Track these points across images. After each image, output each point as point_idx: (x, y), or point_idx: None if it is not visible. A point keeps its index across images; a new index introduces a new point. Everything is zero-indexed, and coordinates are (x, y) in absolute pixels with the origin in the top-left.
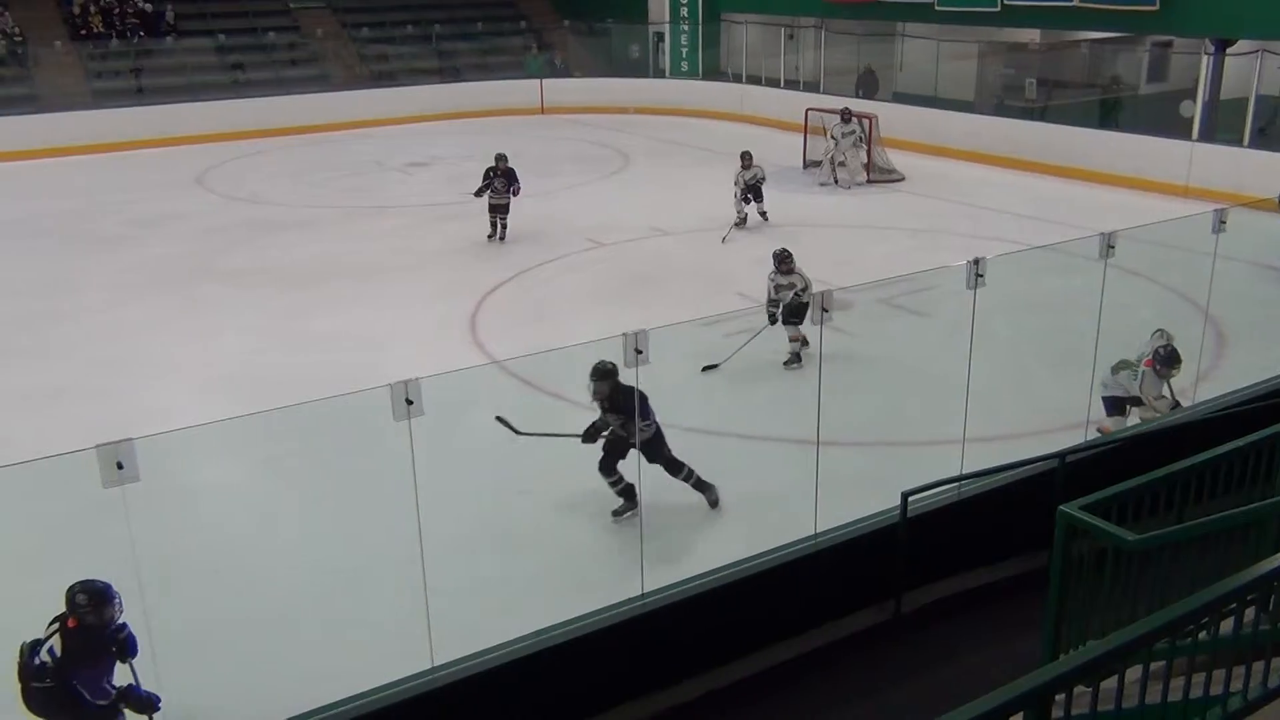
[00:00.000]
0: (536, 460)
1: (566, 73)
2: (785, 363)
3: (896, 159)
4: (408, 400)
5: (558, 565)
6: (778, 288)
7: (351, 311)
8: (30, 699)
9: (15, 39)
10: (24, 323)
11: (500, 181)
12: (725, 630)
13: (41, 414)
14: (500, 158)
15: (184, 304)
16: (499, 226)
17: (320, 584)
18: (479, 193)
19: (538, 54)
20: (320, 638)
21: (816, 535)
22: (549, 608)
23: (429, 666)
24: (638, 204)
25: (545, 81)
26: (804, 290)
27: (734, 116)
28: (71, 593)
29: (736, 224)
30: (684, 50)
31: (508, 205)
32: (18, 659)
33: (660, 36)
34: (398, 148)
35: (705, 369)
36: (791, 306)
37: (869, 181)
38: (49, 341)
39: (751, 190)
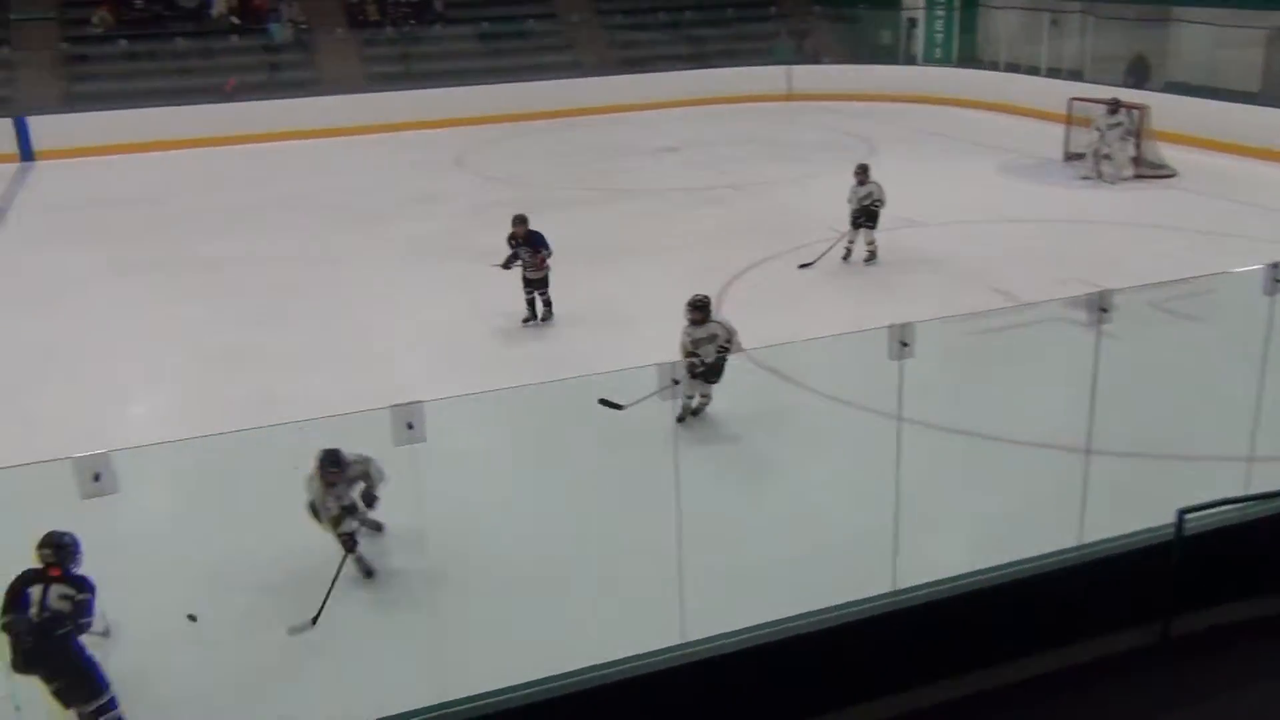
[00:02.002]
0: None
1: (815, 59)
2: (678, 418)
3: (1169, 154)
4: (673, 380)
5: (812, 553)
6: (694, 341)
7: (600, 291)
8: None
9: (301, 27)
10: (300, 289)
11: (525, 251)
12: (976, 635)
13: (319, 372)
14: (519, 220)
15: (438, 278)
16: (539, 306)
17: (583, 555)
18: (507, 265)
19: (786, 40)
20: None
21: (1080, 547)
22: (802, 596)
23: (679, 642)
24: (888, 194)
25: (793, 68)
26: (728, 341)
27: (989, 105)
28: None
29: (844, 256)
30: (939, 36)
31: (545, 278)
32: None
33: (913, 22)
34: (648, 132)
35: (604, 402)
36: (713, 365)
37: (1135, 177)
38: (320, 307)
39: (864, 214)
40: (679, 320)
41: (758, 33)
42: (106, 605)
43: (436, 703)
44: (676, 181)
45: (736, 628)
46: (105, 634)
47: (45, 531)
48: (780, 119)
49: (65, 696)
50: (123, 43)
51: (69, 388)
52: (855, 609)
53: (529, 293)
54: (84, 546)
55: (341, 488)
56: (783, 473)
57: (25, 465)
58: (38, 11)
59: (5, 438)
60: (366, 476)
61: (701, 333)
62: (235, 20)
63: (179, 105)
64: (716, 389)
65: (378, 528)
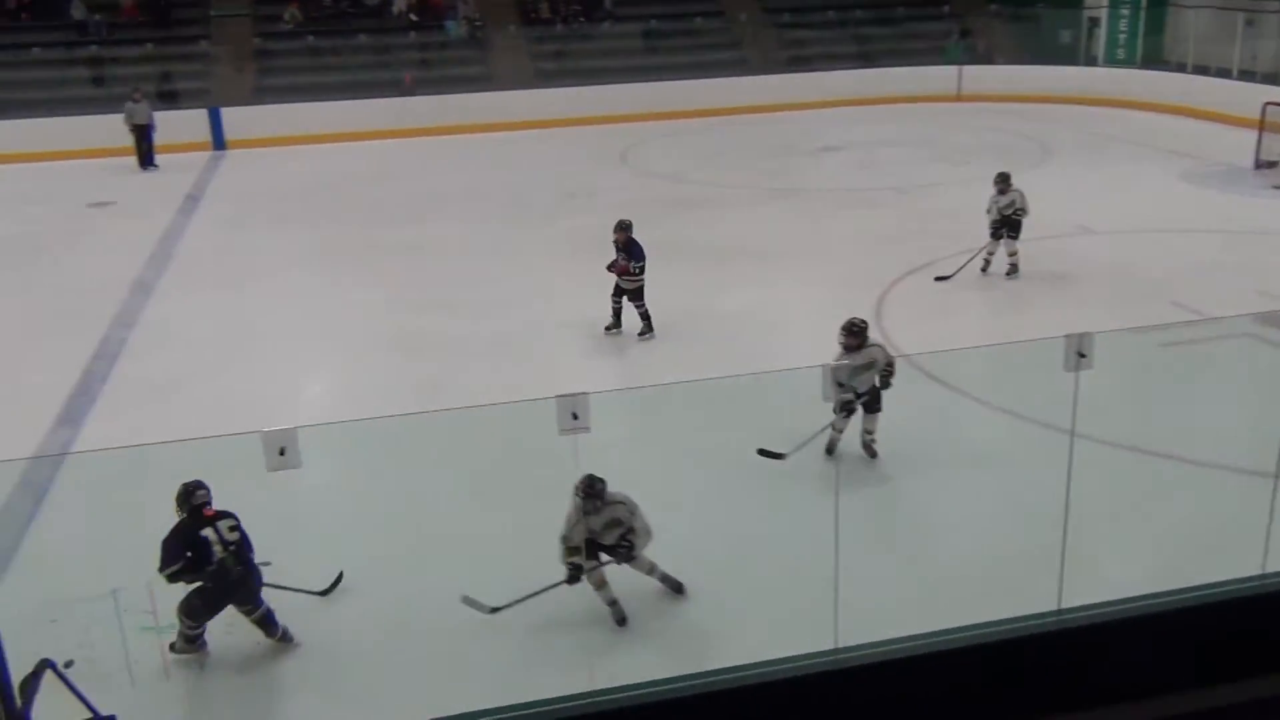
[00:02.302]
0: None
1: (988, 59)
2: (827, 450)
3: None
4: (838, 383)
5: (974, 567)
6: (851, 371)
7: (749, 293)
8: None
9: (476, 24)
10: (468, 278)
11: (621, 257)
12: (1145, 662)
13: (483, 360)
14: (621, 226)
15: (593, 273)
16: (638, 319)
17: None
18: (612, 267)
19: (958, 40)
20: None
21: (1264, 575)
22: (962, 610)
23: (832, 647)
24: (1061, 200)
25: (964, 68)
26: (888, 368)
27: (1174, 109)
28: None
29: (982, 269)
30: (1122, 36)
31: (639, 290)
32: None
33: (1095, 22)
34: (811, 132)
35: (764, 453)
36: (873, 396)
37: None
38: (485, 297)
39: (1006, 224)
40: (828, 325)
41: (929, 32)
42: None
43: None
44: (837, 182)
45: (892, 636)
46: (267, 563)
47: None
48: (949, 120)
49: (265, 623)
50: (310, 39)
51: (256, 365)
52: (1013, 626)
53: (616, 301)
54: (268, 517)
55: (595, 520)
56: (944, 484)
57: (216, 438)
58: (235, 8)
59: (199, 411)
60: (620, 523)
61: (859, 359)
62: (414, 17)
63: (359, 99)
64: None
65: (678, 589)
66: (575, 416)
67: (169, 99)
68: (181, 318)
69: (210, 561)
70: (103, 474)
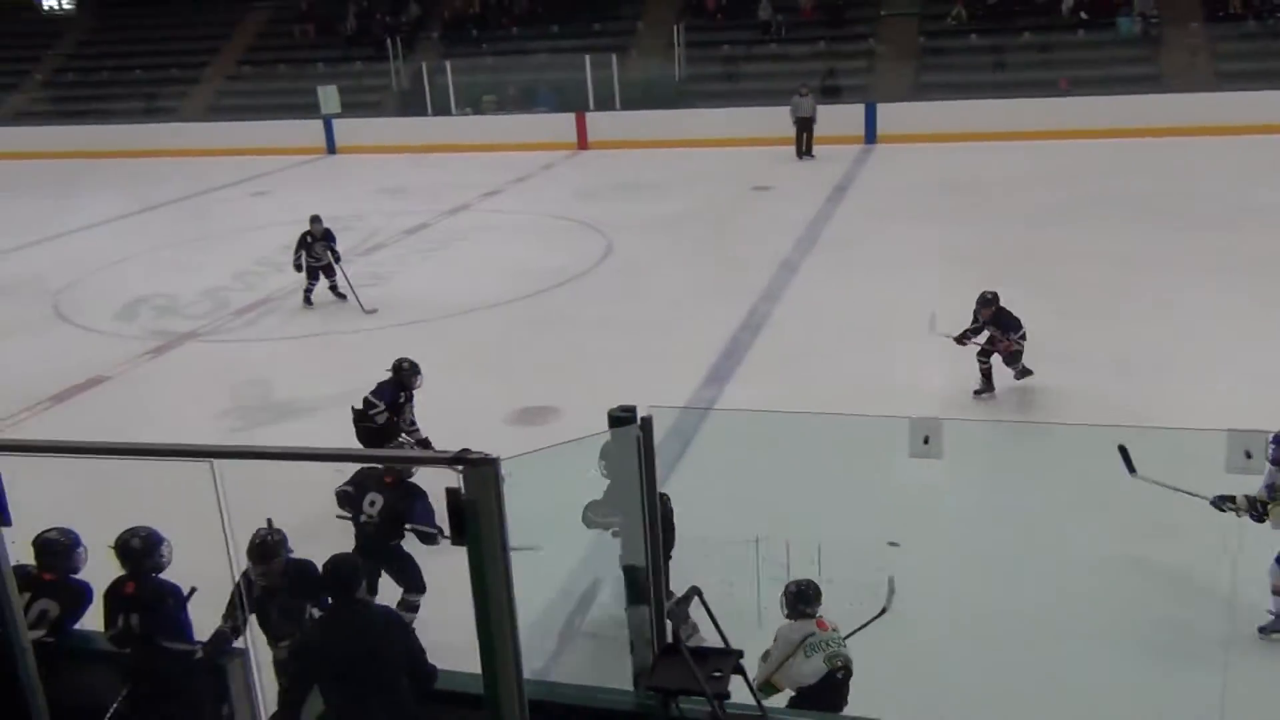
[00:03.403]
0: None
1: None
2: None
3: None
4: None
5: None
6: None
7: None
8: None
9: (1151, 21)
10: (1107, 290)
11: (998, 333)
12: None
13: (1125, 379)
14: (985, 300)
15: (1270, 301)
16: (1017, 373)
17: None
18: (992, 346)
19: None
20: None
21: None
22: None
23: None
24: None
25: None
26: None
27: None
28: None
29: None
30: None
31: (1019, 353)
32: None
33: None
34: None
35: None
36: None
37: None
38: (1117, 311)
39: None
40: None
41: None
42: None
43: None
44: None
45: None
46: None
47: None
48: None
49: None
50: (972, 36)
51: (886, 351)
52: None
53: (984, 361)
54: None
55: None
56: None
57: (859, 416)
58: (903, 8)
59: (830, 387)
60: None
61: None
62: (1084, 14)
63: (1015, 99)
64: None
65: None
66: (1249, 455)
67: (831, 94)
68: (821, 298)
69: None
70: (740, 432)
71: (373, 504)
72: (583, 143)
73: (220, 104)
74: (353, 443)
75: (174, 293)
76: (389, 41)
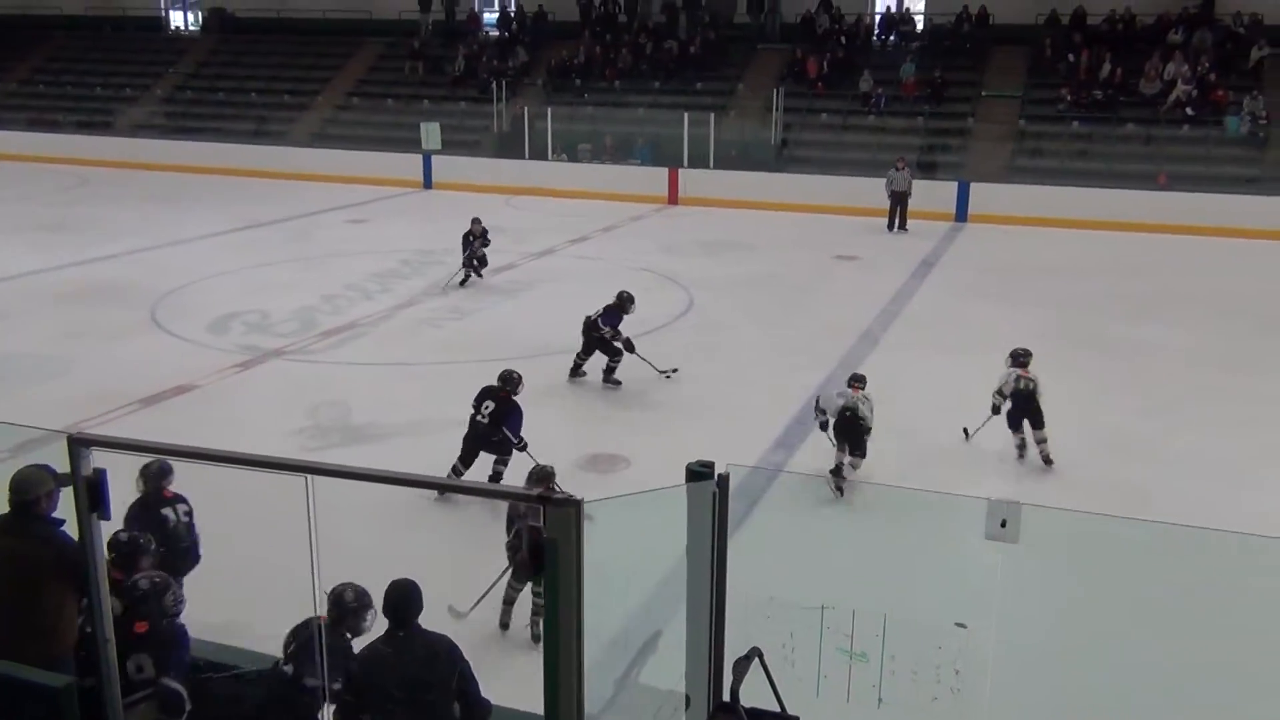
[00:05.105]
0: None
1: None
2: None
3: None
4: None
5: None
6: None
7: None
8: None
9: (1260, 121)
10: (1189, 389)
11: None
12: None
13: (1194, 480)
14: None
15: None
16: None
17: None
18: None
19: None
20: None
21: None
22: None
23: None
24: None
25: None
26: None
27: None
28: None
29: None
30: None
31: None
32: None
33: None
34: None
35: None
36: None
37: None
38: (1198, 413)
39: None
40: None
41: None
42: None
43: None
44: None
45: None
46: None
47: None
48: None
49: None
50: (1075, 124)
51: (958, 430)
52: None
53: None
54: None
55: None
56: None
57: (935, 493)
58: (1007, 90)
59: (904, 459)
60: None
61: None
62: (1190, 111)
63: (1112, 189)
64: None
65: None
66: (1004, 524)
67: (928, 169)
68: (901, 372)
69: None
70: (804, 496)
71: (487, 408)
72: (673, 198)
73: (326, 132)
74: (421, 469)
75: (266, 310)
76: (494, 84)
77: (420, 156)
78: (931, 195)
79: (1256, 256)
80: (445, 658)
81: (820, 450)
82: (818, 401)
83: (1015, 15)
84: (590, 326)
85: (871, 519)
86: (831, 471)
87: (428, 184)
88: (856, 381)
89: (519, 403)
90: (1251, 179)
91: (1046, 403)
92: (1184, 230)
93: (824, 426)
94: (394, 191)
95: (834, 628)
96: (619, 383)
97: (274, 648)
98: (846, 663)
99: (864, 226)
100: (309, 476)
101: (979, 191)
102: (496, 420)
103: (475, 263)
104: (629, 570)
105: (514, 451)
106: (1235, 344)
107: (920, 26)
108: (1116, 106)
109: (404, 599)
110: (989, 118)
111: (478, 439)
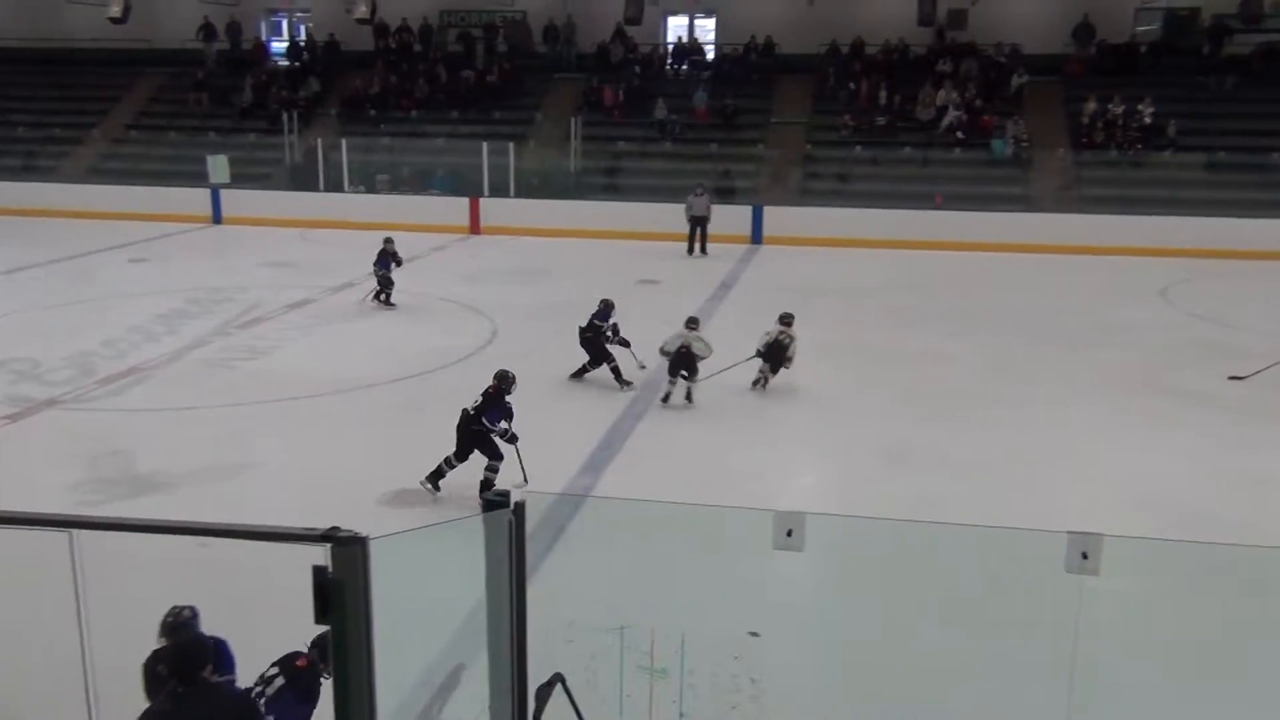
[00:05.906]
0: None
1: None
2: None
3: None
4: None
5: None
6: None
7: None
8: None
9: (1023, 144)
10: (973, 398)
11: None
12: None
13: (972, 482)
14: None
15: (1121, 413)
16: None
17: None
18: None
19: None
20: None
21: None
22: None
23: None
24: None
25: None
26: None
27: None
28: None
29: None
30: None
31: None
32: None
33: None
34: None
35: None
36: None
37: None
38: (987, 419)
39: None
40: None
41: None
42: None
43: None
44: None
45: None
46: None
47: None
48: None
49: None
50: (857, 148)
51: (762, 446)
52: None
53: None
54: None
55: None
56: None
57: (727, 508)
58: (793, 117)
59: (698, 474)
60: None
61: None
62: (961, 135)
63: (891, 209)
64: None
65: None
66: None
67: (725, 194)
68: (699, 391)
69: None
70: (613, 519)
71: (476, 401)
72: (475, 227)
73: (103, 166)
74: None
75: (37, 357)
76: (285, 115)
77: (208, 190)
78: (728, 219)
79: (1025, 270)
80: (233, 716)
81: (631, 471)
82: (662, 347)
83: (799, 45)
84: (469, 421)
85: (668, 537)
86: (663, 400)
87: (217, 219)
88: (691, 323)
89: (509, 401)
90: (1017, 197)
91: (837, 401)
92: (958, 247)
93: (670, 362)
94: (181, 227)
95: (634, 647)
96: (630, 383)
97: None
98: (648, 680)
99: (665, 252)
100: (73, 532)
101: (772, 214)
102: (480, 411)
103: (381, 283)
104: (429, 605)
105: (502, 455)
106: (1007, 353)
107: (711, 56)
108: (895, 131)
109: (191, 653)
110: (778, 143)
111: (465, 430)
